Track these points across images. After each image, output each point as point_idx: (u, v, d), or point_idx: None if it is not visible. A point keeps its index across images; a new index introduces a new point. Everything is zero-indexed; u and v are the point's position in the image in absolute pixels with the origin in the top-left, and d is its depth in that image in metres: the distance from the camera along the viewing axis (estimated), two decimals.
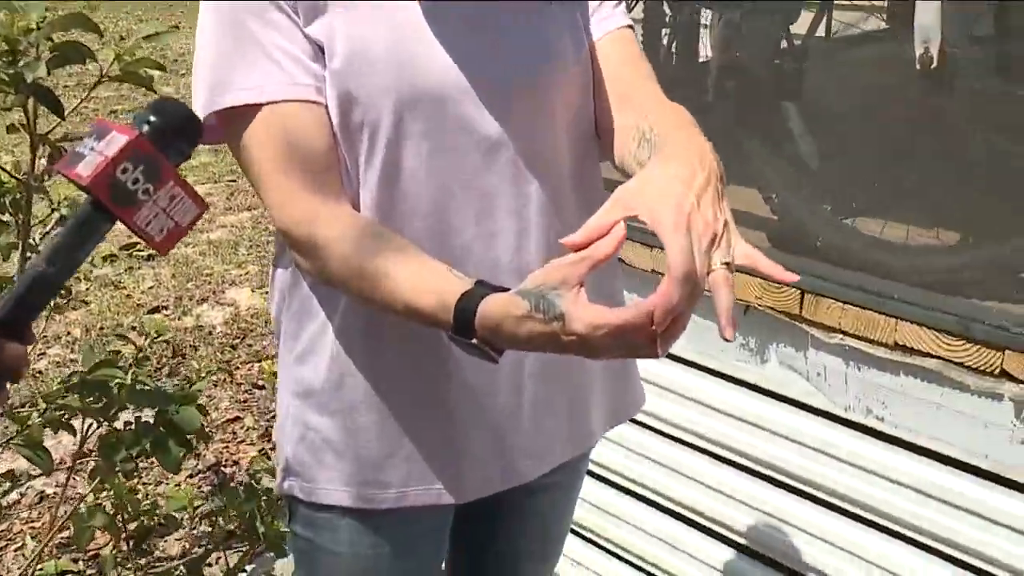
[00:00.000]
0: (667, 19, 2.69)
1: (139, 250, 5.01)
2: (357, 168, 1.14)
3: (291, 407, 1.28)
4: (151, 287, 4.64)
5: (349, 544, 1.31)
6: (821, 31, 2.20)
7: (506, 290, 0.97)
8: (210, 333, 4.18)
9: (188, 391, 1.88)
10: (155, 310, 4.39)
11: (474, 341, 0.98)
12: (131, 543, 1.99)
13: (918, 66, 1.68)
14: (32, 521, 2.96)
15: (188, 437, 1.83)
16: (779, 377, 1.95)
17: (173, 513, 1.81)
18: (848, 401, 1.85)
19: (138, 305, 4.43)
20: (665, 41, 2.67)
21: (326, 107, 1.11)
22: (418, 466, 1.26)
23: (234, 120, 1.10)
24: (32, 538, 2.87)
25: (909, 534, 1.82)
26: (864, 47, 1.92)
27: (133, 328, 4.13)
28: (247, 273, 4.83)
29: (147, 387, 2.04)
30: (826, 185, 1.90)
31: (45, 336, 4.07)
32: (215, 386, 3.66)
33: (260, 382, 3.76)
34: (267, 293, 4.59)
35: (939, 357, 1.68)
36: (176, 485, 3.08)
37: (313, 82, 1.10)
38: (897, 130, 1.81)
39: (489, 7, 1.14)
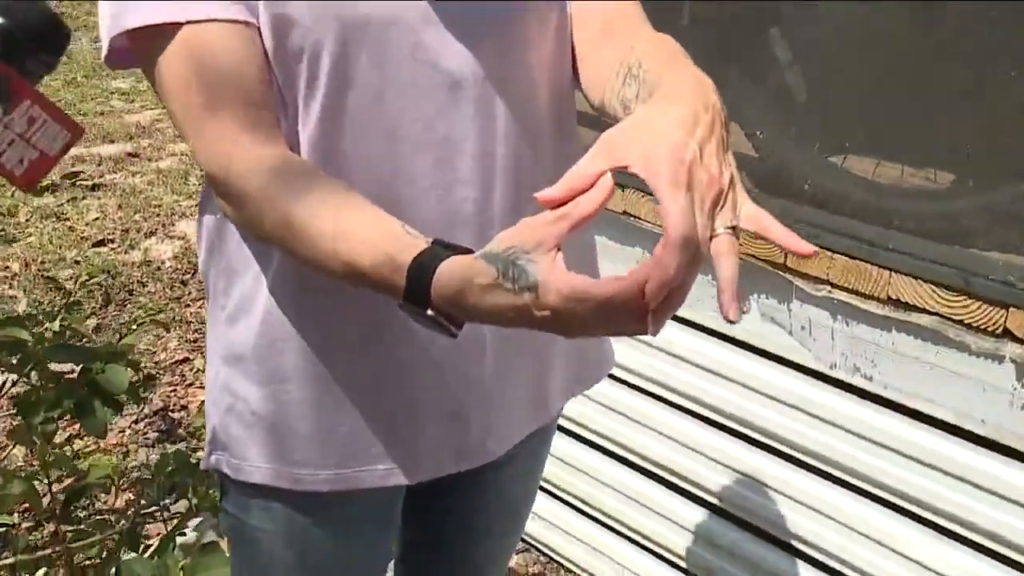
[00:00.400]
0: None
1: (83, 179, 4.76)
2: (296, 105, 0.96)
3: (220, 373, 1.12)
4: (96, 219, 4.41)
5: (284, 525, 1.16)
6: None
7: (469, 251, 0.80)
8: (159, 268, 3.97)
9: (117, 346, 1.70)
10: (100, 243, 4.16)
11: (429, 312, 0.81)
12: (59, 508, 1.83)
13: None
14: None
15: (116, 398, 1.66)
16: (760, 330, 1.80)
17: (97, 480, 1.64)
18: (834, 358, 1.71)
19: (82, 238, 4.20)
20: None
21: (259, 30, 0.92)
22: (360, 445, 1.10)
23: (148, 42, 0.92)
24: None
25: (893, 499, 1.69)
26: None
27: (76, 262, 3.91)
28: (198, 205, 4.62)
29: (72, 340, 1.87)
30: (814, 120, 1.73)
31: None
32: (163, 326, 3.47)
33: None
34: None
35: (936, 314, 1.53)
36: (121, 431, 2.91)
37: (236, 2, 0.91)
38: (893, 58, 1.64)
39: None
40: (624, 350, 2.03)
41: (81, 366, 1.63)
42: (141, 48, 0.93)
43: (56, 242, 4.12)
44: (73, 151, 5.14)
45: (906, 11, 1.63)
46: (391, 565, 1.45)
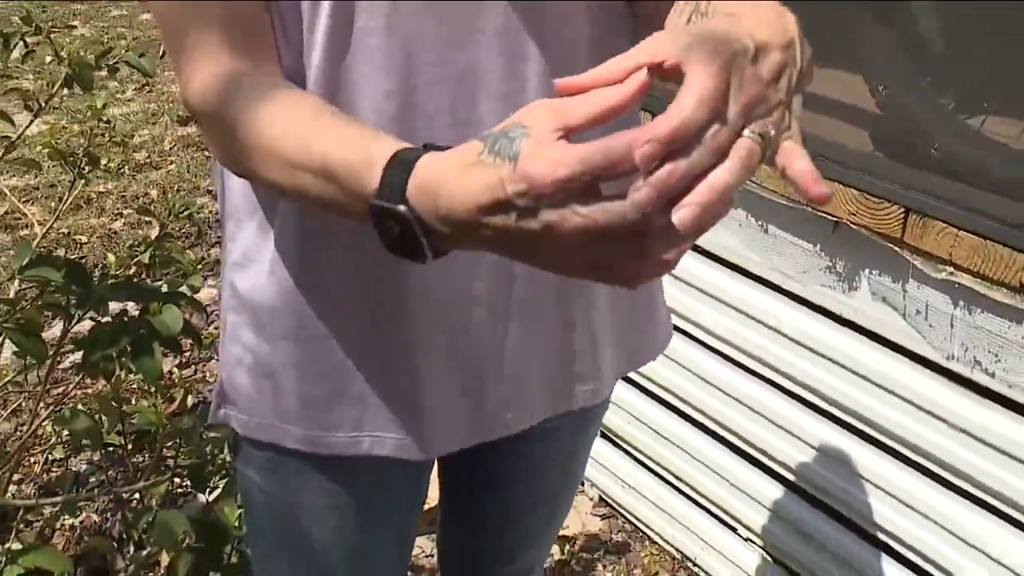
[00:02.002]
0: None
1: None
2: (300, 30, 0.81)
3: (228, 321, 1.00)
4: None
5: (298, 491, 1.04)
6: None
7: None
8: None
9: (174, 288, 1.63)
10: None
11: (401, 208, 0.64)
12: (128, 446, 1.79)
13: None
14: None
15: (175, 339, 1.58)
16: (870, 312, 1.57)
17: (145, 427, 1.57)
18: (952, 349, 1.47)
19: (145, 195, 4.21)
20: None
21: None
22: (372, 410, 0.97)
23: None
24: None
25: (1013, 513, 1.45)
26: None
27: (209, 191, 3.93)
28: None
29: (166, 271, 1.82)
30: (950, 74, 1.47)
31: (124, 195, 3.91)
32: None
33: None
34: None
35: None
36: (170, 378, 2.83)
37: None
38: None
39: None
40: (714, 315, 1.83)
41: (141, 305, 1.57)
42: None
43: (193, 170, 4.15)
44: None
45: None
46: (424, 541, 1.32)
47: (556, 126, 0.57)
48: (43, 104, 1.78)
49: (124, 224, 3.70)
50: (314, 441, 0.98)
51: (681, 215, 0.55)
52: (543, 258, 0.61)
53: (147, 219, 3.67)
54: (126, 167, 4.16)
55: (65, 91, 1.76)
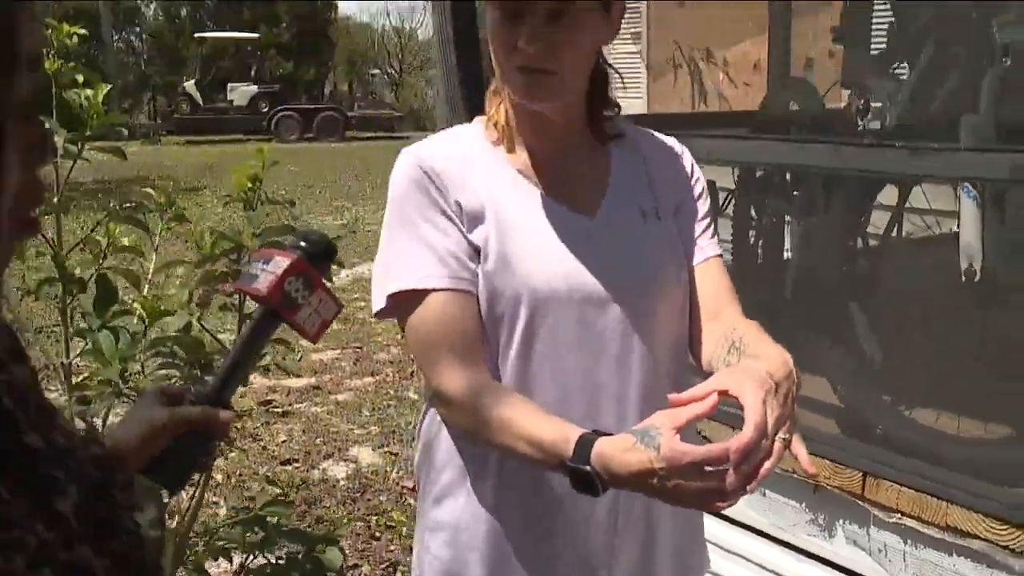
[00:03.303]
0: (753, 222, 2.96)
1: (275, 406, 5.38)
2: (497, 350, 1.39)
3: (424, 539, 1.51)
4: (284, 441, 4.97)
5: None
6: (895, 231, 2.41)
7: None
8: (334, 486, 4.45)
9: (331, 534, 2.14)
10: (287, 462, 4.70)
11: (588, 468, 1.18)
12: None
13: (962, 278, 1.89)
14: None
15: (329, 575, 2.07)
16: (846, 553, 2.10)
17: None
18: None
19: (272, 457, 4.75)
20: (752, 240, 2.93)
21: (477, 297, 1.38)
22: None
23: (403, 302, 1.39)
24: None
25: None
26: (927, 251, 2.13)
27: (267, 478, 4.43)
28: (369, 433, 5.13)
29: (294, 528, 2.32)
30: (886, 379, 2.09)
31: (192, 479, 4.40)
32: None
33: (377, 533, 3.98)
34: (386, 452, 4.86)
35: (986, 539, 1.82)
36: None
37: (468, 276, 1.37)
38: (951, 331, 2.00)
39: (612, 231, 1.42)
40: (729, 565, 2.33)
41: (305, 547, 2.06)
42: (398, 304, 1.40)
43: (252, 458, 4.68)
44: (266, 383, 5.83)
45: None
46: None
47: (672, 427, 1.14)
48: None
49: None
50: None
51: (751, 487, 1.11)
52: (666, 498, 1.15)
53: None
54: None
55: None
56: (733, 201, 2.97)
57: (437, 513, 1.49)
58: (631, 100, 6.81)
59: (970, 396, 1.97)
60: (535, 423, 1.28)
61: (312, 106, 28.64)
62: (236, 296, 2.01)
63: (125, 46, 34.90)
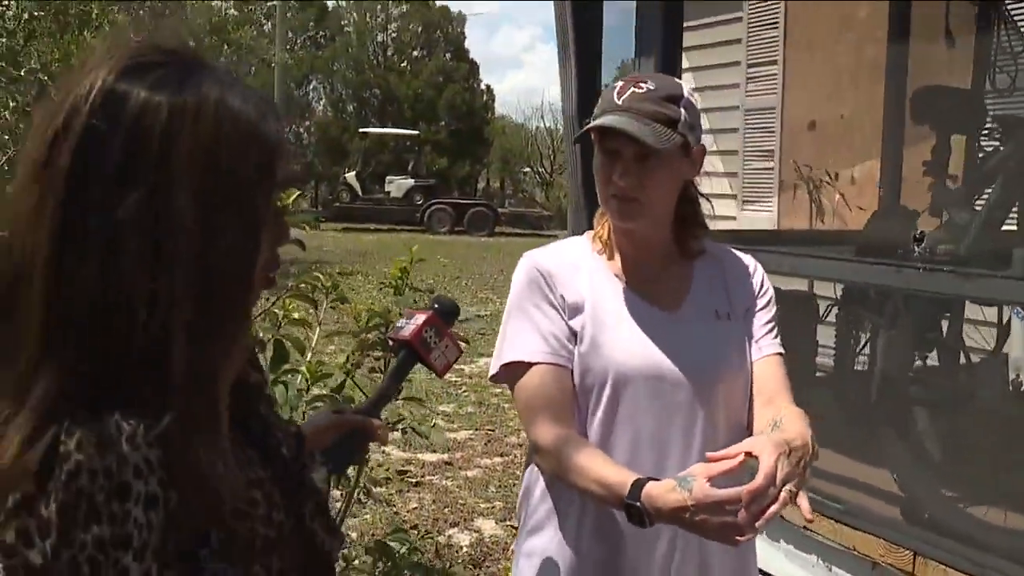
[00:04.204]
0: (852, 331, 3.26)
1: (409, 477, 5.84)
2: (586, 414, 1.78)
3: (520, 562, 1.88)
4: (414, 508, 5.41)
5: None
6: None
7: None
8: (457, 552, 4.83)
9: (446, 572, 2.52)
10: (415, 527, 5.12)
11: (638, 504, 1.55)
12: None
13: (1010, 388, 2.16)
14: None
15: None
16: None
17: None
18: None
19: (403, 521, 5.18)
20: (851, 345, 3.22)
21: (571, 372, 1.77)
22: None
23: (513, 370, 1.79)
24: None
25: None
26: (985, 371, 2.41)
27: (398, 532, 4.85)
28: (493, 507, 5.52)
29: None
30: (942, 473, 2.36)
31: None
32: None
33: None
34: (508, 526, 5.22)
35: None
36: None
37: (566, 355, 1.77)
38: (999, 436, 2.27)
39: (689, 326, 1.79)
40: None
41: None
42: (508, 371, 1.81)
43: (384, 522, 5.13)
44: (402, 455, 6.31)
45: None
46: None
47: (705, 475, 1.51)
48: None
49: None
50: None
51: (759, 525, 1.46)
52: (696, 530, 1.51)
53: None
54: None
55: None
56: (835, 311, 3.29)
57: (531, 541, 1.87)
58: (763, 213, 7.15)
59: (1012, 491, 2.22)
60: (604, 469, 1.65)
61: (464, 200, 29.67)
62: (383, 360, 2.47)
63: (295, 138, 37.31)
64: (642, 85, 1.72)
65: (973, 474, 2.31)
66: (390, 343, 1.62)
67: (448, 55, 38.88)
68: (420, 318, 1.50)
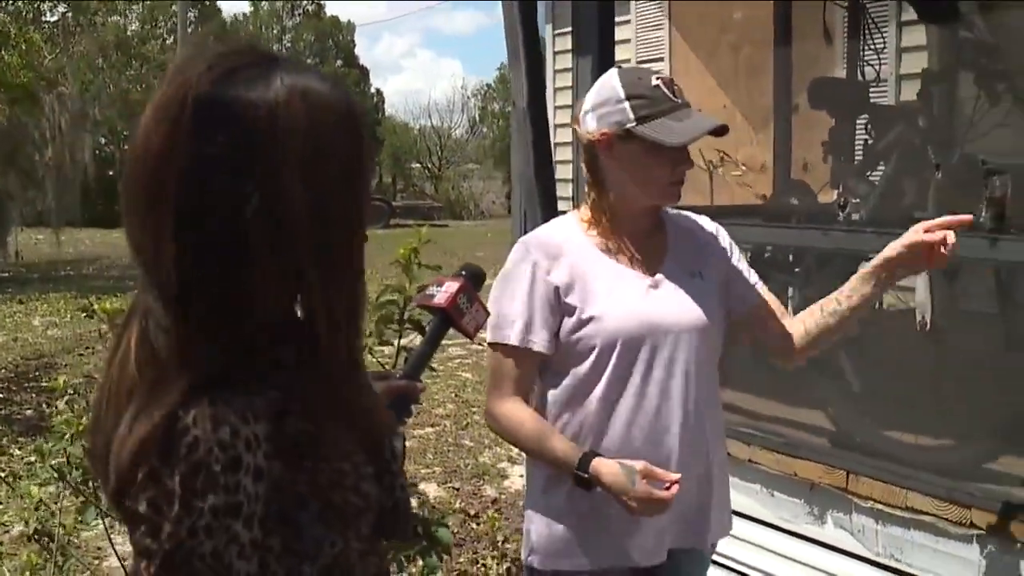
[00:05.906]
0: None
1: None
2: (592, 375, 1.88)
3: (532, 516, 2.01)
4: None
5: None
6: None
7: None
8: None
9: (441, 520, 2.66)
10: None
11: (587, 475, 1.77)
12: None
13: (916, 328, 2.46)
14: None
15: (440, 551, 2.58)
16: (834, 534, 2.63)
17: None
18: (879, 549, 2.51)
19: None
20: None
21: (540, 355, 1.90)
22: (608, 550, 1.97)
23: (497, 348, 1.95)
24: None
25: None
26: (896, 318, 2.71)
27: None
28: (434, 472, 5.67)
29: None
30: (865, 405, 2.65)
31: None
32: None
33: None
34: (451, 487, 5.37)
35: (934, 515, 2.35)
36: None
37: (540, 341, 1.88)
38: (911, 369, 2.57)
39: (667, 285, 1.95)
40: (746, 552, 2.85)
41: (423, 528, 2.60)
42: (491, 346, 1.96)
43: None
44: None
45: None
46: None
47: (644, 475, 1.73)
48: None
49: None
50: (580, 566, 1.98)
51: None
52: (621, 504, 1.74)
53: None
54: None
55: None
56: None
57: (542, 499, 1.99)
58: None
59: (923, 415, 2.53)
60: (554, 441, 1.86)
61: None
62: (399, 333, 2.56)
63: None
64: (668, 77, 1.90)
65: (891, 404, 2.60)
66: (422, 310, 1.69)
67: (340, 62, 38.77)
68: (453, 285, 1.48)
